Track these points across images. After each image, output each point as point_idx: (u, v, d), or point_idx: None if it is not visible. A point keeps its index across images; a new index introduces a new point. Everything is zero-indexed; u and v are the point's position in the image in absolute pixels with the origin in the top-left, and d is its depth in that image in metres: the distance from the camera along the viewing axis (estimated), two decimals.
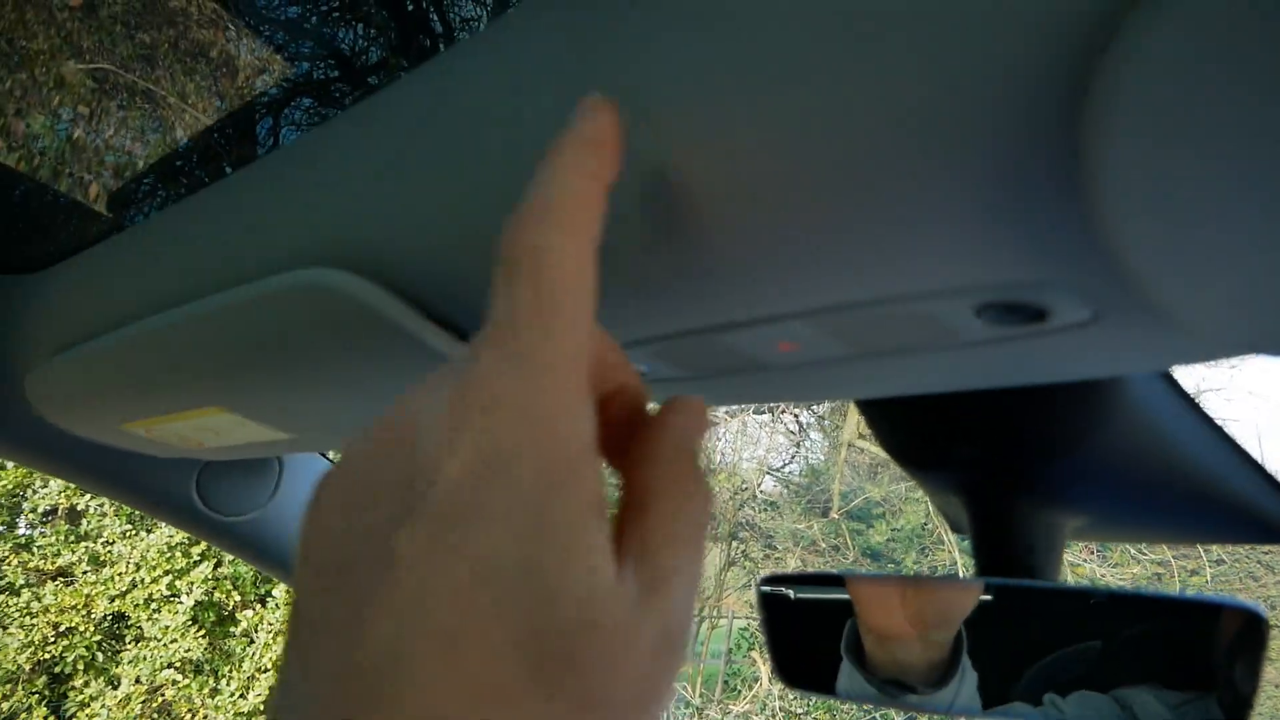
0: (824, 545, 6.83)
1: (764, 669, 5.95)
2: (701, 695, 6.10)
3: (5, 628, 4.58)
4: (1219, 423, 0.60)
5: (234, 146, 0.69)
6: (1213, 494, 0.64)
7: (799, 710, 5.71)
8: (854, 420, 6.22)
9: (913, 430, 0.66)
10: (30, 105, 0.69)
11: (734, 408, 6.83)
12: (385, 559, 0.22)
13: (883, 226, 0.28)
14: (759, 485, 7.25)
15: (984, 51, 0.22)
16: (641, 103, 0.29)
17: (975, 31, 0.22)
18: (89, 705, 4.56)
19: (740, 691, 6.13)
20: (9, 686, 4.56)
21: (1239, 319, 0.26)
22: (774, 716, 5.63)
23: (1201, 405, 0.58)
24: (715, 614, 6.63)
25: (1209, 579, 5.76)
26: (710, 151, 0.28)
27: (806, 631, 0.69)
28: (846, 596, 0.65)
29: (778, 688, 5.74)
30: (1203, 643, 0.57)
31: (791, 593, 0.70)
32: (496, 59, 0.36)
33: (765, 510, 7.26)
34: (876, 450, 6.27)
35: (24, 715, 4.57)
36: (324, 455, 1.10)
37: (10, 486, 4.84)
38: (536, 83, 0.34)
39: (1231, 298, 0.25)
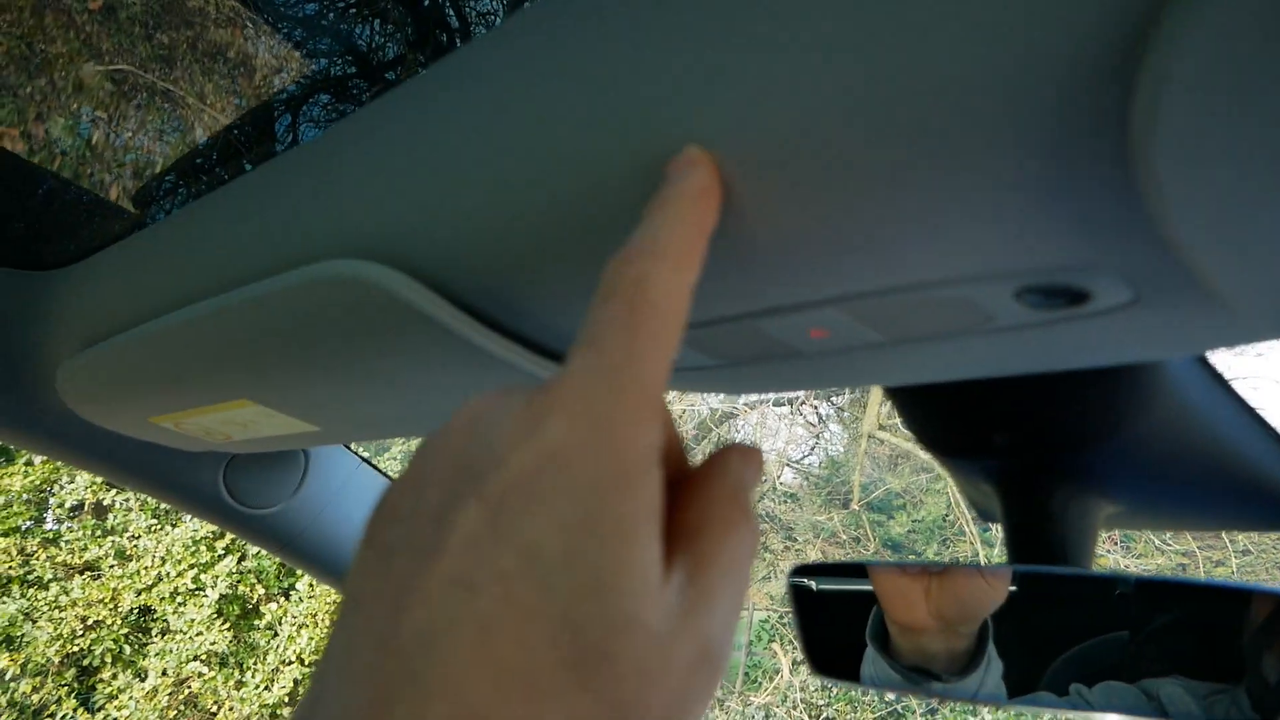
0: (845, 537, 6.82)
1: (784, 661, 5.95)
2: (722, 687, 6.10)
3: (35, 621, 4.65)
4: (1256, 409, 0.59)
5: (258, 142, 0.69)
6: (1249, 481, 0.63)
7: (820, 702, 5.71)
8: (874, 411, 6.20)
9: (944, 417, 0.65)
10: (52, 108, 0.69)
11: (753, 399, 6.82)
12: (435, 543, 0.22)
13: (921, 210, 0.28)
14: (778, 477, 7.24)
15: (1026, 26, 0.21)
16: (665, 90, 0.29)
17: (1016, 4, 0.21)
18: (117, 697, 4.62)
19: (761, 683, 6.13)
20: (39, 679, 4.62)
21: None
22: (795, 708, 5.63)
23: (1238, 391, 0.58)
24: None
25: (1234, 570, 5.71)
26: (738, 137, 0.28)
27: (834, 620, 0.69)
28: (871, 587, 0.65)
29: (799, 679, 5.74)
30: (1232, 631, 0.56)
31: (814, 584, 0.70)
32: (518, 51, 0.36)
33: (785, 502, 7.25)
34: (897, 441, 6.24)
35: (54, 707, 4.64)
36: (349, 448, 1.11)
37: (37, 482, 4.91)
38: (559, 74, 0.34)
39: None
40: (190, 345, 0.62)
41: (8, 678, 4.56)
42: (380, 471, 1.14)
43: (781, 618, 6.56)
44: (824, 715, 5.67)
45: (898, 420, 5.97)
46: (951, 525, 6.86)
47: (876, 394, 6.05)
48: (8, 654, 4.57)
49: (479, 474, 0.23)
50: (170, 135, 0.72)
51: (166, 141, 0.73)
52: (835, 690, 5.68)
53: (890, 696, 5.57)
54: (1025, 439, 0.63)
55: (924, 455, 6.19)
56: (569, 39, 0.33)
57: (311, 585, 4.83)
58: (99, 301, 0.71)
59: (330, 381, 0.59)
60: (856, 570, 0.68)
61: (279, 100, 0.66)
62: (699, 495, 0.27)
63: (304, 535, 1.07)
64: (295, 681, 4.63)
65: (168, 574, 4.74)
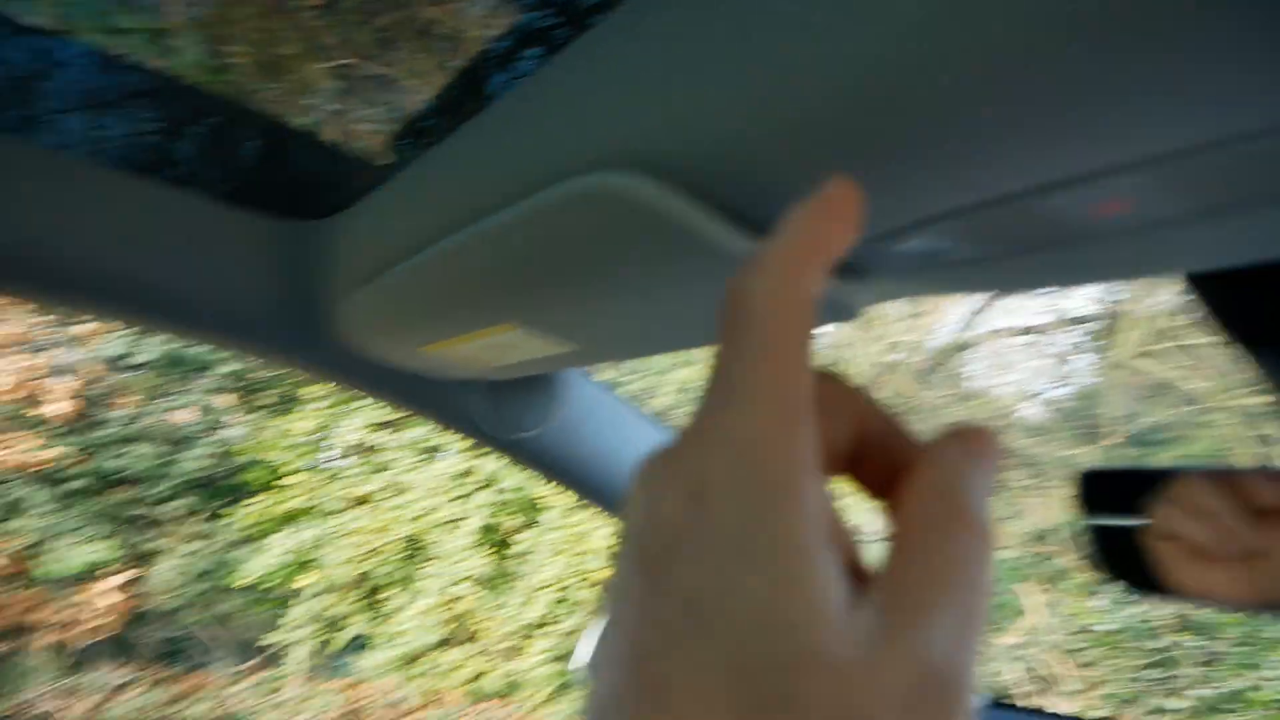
0: None
1: (1036, 602, 5.67)
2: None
3: (327, 548, 5.30)
4: None
5: (506, 62, 0.71)
6: None
7: (1075, 646, 5.40)
8: (1132, 339, 5.66)
9: (1264, 303, 0.57)
10: (295, 96, 0.75)
11: (994, 326, 6.44)
12: (621, 618, 0.23)
13: (1249, 35, 0.23)
14: (1021, 411, 6.84)
15: None
16: None
17: None
18: (397, 614, 5.21)
19: (1008, 623, 5.89)
20: (334, 596, 5.29)
21: None
22: (1046, 651, 5.37)
23: None
24: None
25: None
26: None
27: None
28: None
29: (1048, 621, 5.46)
30: None
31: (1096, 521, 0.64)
32: None
33: (1030, 436, 6.84)
34: (1154, 369, 5.68)
35: (343, 621, 5.30)
36: (590, 379, 1.17)
37: (317, 425, 5.54)
38: None
39: None
40: (454, 273, 0.65)
41: (311, 594, 5.26)
42: (619, 400, 1.20)
43: (1025, 556, 6.24)
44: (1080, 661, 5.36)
45: (1157, 346, 5.43)
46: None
47: (1132, 320, 5.52)
48: (308, 574, 5.27)
49: (643, 543, 0.23)
50: (412, 80, 0.76)
51: (408, 90, 0.77)
52: (1090, 633, 5.35)
53: (1157, 644, 5.16)
54: None
55: (1187, 387, 5.58)
56: None
57: (560, 515, 5.15)
58: (369, 242, 0.77)
59: (590, 298, 0.61)
60: (1153, 478, 0.61)
61: (521, 26, 0.68)
62: (906, 495, 0.25)
63: (561, 456, 1.15)
64: (548, 604, 4.99)
65: (431, 507, 5.22)
